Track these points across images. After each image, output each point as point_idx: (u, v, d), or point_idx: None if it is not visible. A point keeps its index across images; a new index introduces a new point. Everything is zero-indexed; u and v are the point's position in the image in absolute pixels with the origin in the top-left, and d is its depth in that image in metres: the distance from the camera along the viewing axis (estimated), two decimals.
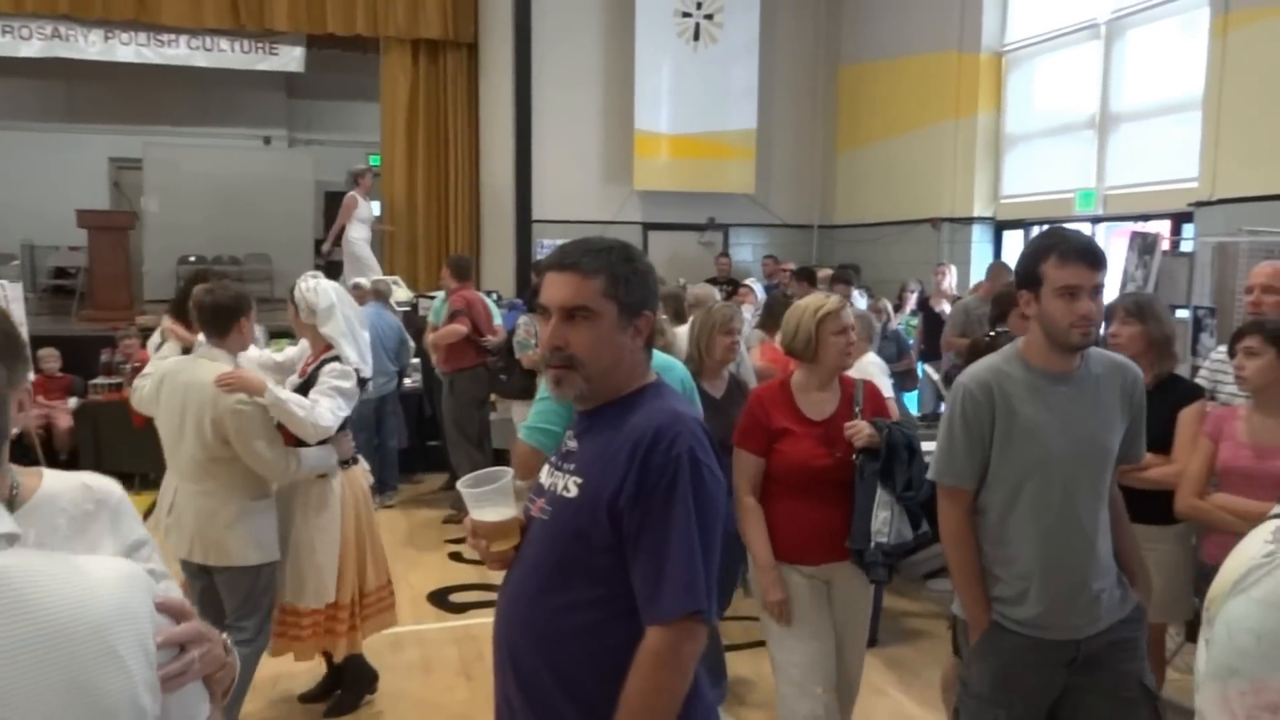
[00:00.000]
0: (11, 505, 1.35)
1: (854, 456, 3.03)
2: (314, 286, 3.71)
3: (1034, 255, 2.37)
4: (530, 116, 10.98)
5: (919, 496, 3.06)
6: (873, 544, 2.98)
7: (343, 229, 9.65)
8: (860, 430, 3.02)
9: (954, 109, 9.75)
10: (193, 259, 11.52)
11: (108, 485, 1.59)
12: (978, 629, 2.47)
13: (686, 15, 11.10)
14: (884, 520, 2.98)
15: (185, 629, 1.12)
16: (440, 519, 6.91)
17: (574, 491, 1.80)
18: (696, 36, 11.16)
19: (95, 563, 1.09)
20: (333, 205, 13.81)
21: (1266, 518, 1.33)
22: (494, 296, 9.00)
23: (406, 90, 10.91)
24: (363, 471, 3.96)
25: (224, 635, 1.22)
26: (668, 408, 1.80)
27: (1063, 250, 2.31)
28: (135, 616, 1.05)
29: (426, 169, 10.98)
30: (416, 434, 8.09)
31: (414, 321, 8.37)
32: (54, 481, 1.53)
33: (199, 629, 1.14)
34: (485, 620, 4.98)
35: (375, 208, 10.63)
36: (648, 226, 11.47)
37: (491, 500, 1.87)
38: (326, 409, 3.47)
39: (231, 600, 3.54)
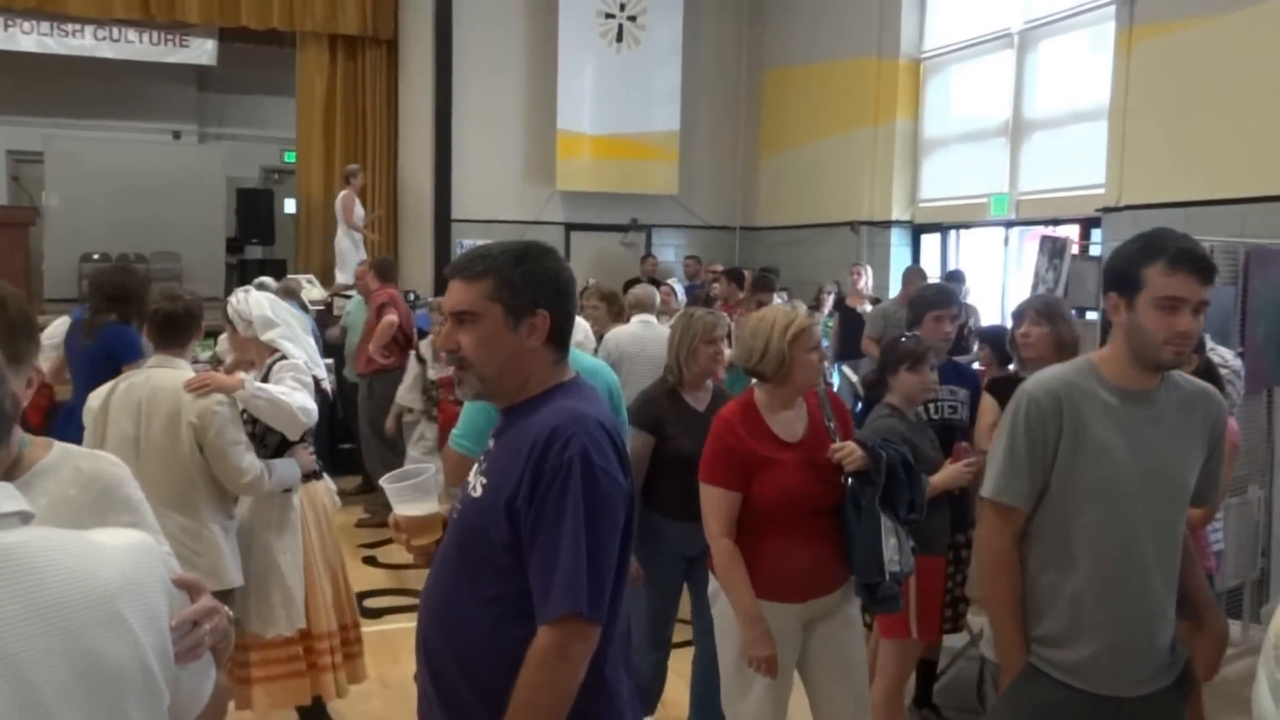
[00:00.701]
0: (8, 476, 1.35)
1: (844, 480, 2.78)
2: (244, 299, 3.58)
3: (1136, 256, 2.09)
4: (450, 115, 10.83)
5: (922, 519, 2.90)
6: (887, 576, 2.74)
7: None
8: (852, 453, 2.77)
9: (873, 114, 9.89)
10: (96, 256, 11.08)
11: (99, 469, 1.56)
12: (1011, 671, 2.19)
13: (610, 16, 11.07)
14: (894, 548, 2.75)
15: (200, 606, 1.20)
16: (353, 523, 6.75)
17: (479, 491, 1.85)
18: (620, 38, 11.13)
19: (106, 535, 1.18)
20: (245, 202, 13.47)
21: None
22: (412, 297, 8.85)
23: (323, 86, 10.67)
24: (326, 489, 3.76)
25: (225, 608, 1.29)
26: (570, 407, 1.81)
27: (1173, 256, 2.03)
28: (143, 586, 1.13)
29: (344, 166, 10.75)
30: (329, 437, 7.90)
31: (327, 320, 8.19)
32: (54, 458, 1.52)
33: (211, 604, 1.22)
34: (400, 625, 4.87)
35: (292, 205, 10.43)
36: (570, 227, 11.41)
37: (412, 495, 1.99)
38: (304, 397, 3.32)
39: None
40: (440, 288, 10.64)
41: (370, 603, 5.26)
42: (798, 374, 2.79)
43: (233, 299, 3.61)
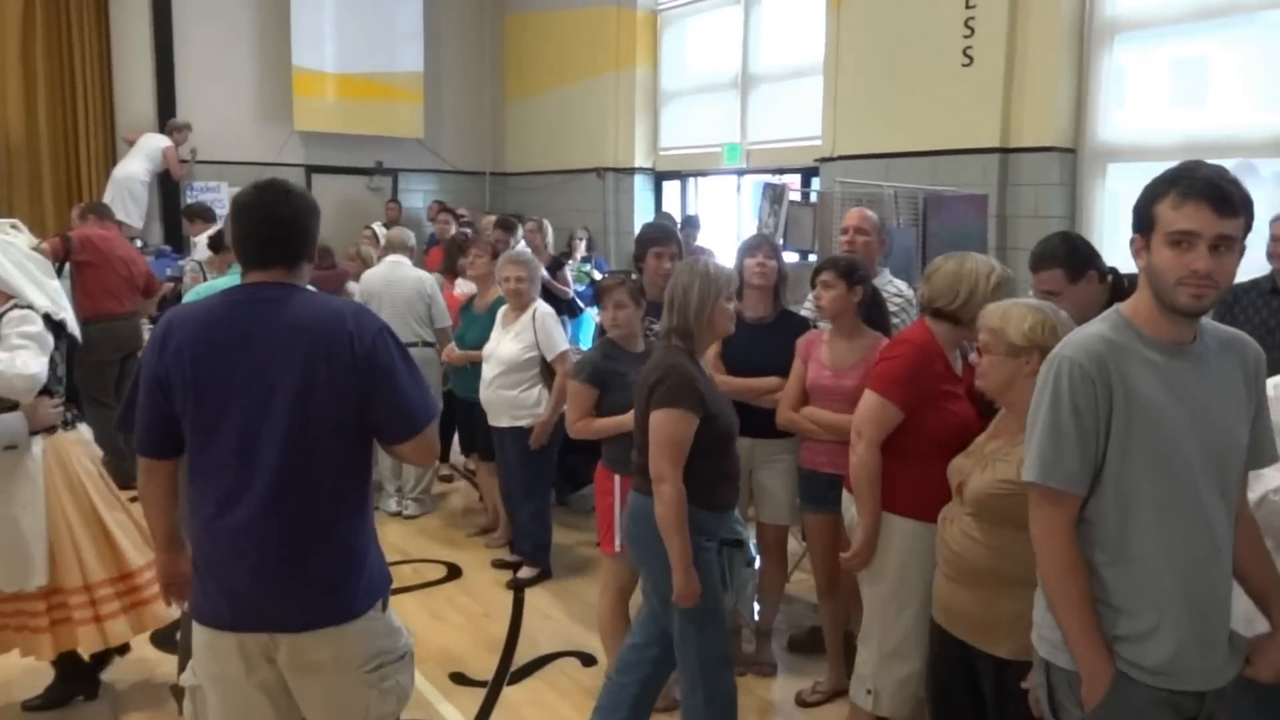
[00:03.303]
0: None
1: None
2: None
3: (1150, 191, 1.90)
4: (172, 46, 10.09)
5: None
6: None
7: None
8: None
9: (614, 62, 10.15)
10: None
11: None
12: (1097, 683, 1.91)
13: None
14: None
15: None
16: None
17: None
18: None
19: None
20: None
21: None
22: (139, 244, 8.30)
23: (19, 8, 9.60)
24: (79, 440, 3.52)
25: None
26: None
27: (1182, 188, 1.83)
28: None
29: (49, 99, 9.74)
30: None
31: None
32: None
33: None
34: None
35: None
36: (311, 169, 10.99)
37: None
38: (28, 357, 3.13)
39: None
40: (169, 233, 10.04)
41: None
42: None
43: None
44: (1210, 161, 1.91)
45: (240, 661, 2.14)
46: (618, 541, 3.60)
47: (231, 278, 3.19)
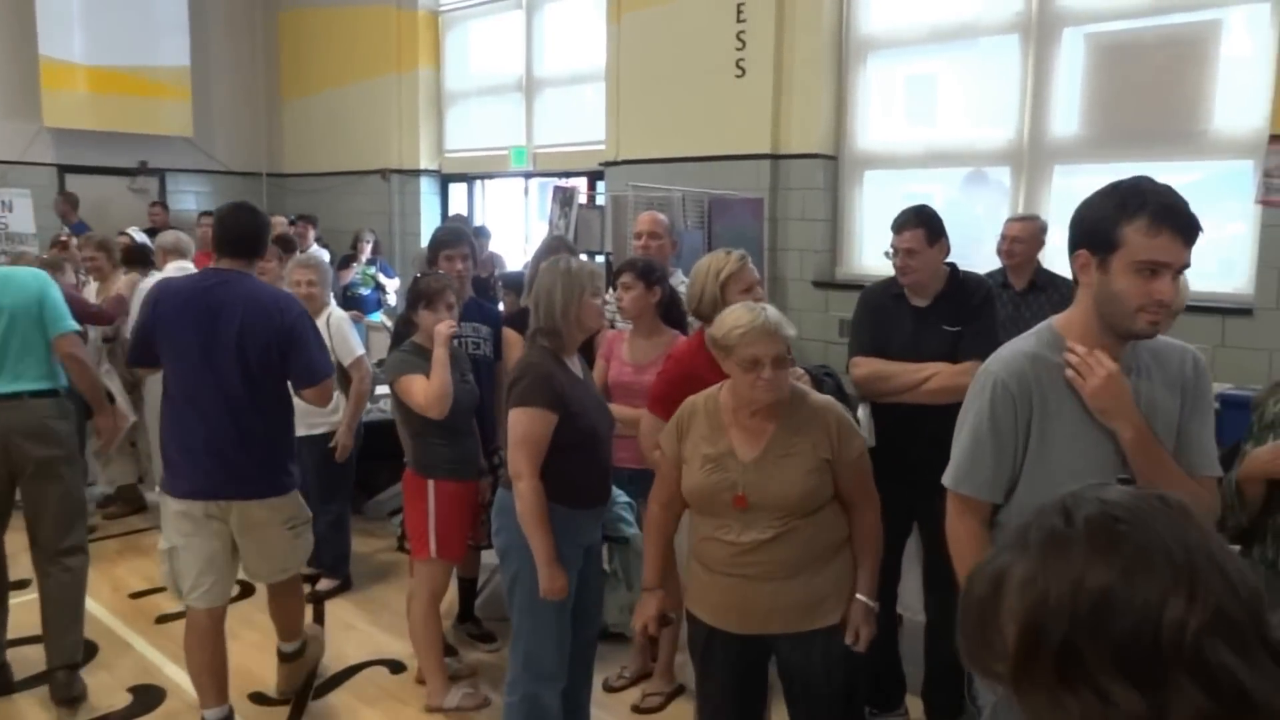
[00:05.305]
0: None
1: None
2: None
3: (1115, 210, 1.84)
4: None
5: None
6: None
7: None
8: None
9: (396, 63, 10.02)
10: None
11: None
12: None
13: None
14: None
15: None
16: None
17: None
18: None
19: None
20: None
21: None
22: None
23: None
24: None
25: None
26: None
27: (1157, 213, 1.79)
28: None
29: None
30: None
31: None
32: None
33: None
34: None
35: None
36: (64, 169, 10.19)
37: None
38: None
39: None
40: None
41: None
42: None
43: None
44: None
45: (205, 522, 3.20)
46: (432, 546, 3.63)
47: None
